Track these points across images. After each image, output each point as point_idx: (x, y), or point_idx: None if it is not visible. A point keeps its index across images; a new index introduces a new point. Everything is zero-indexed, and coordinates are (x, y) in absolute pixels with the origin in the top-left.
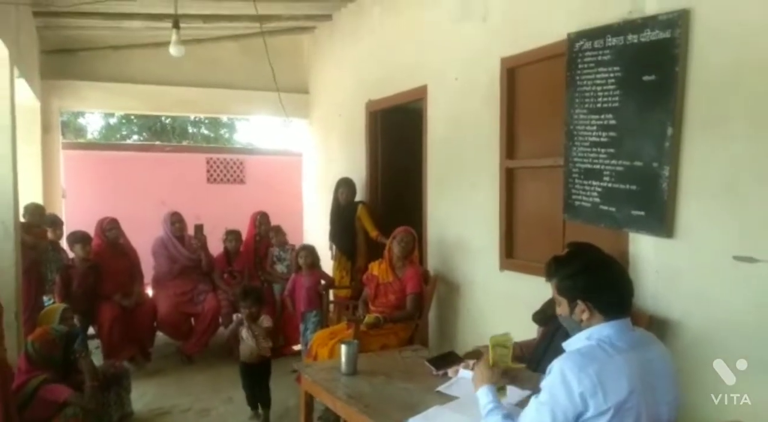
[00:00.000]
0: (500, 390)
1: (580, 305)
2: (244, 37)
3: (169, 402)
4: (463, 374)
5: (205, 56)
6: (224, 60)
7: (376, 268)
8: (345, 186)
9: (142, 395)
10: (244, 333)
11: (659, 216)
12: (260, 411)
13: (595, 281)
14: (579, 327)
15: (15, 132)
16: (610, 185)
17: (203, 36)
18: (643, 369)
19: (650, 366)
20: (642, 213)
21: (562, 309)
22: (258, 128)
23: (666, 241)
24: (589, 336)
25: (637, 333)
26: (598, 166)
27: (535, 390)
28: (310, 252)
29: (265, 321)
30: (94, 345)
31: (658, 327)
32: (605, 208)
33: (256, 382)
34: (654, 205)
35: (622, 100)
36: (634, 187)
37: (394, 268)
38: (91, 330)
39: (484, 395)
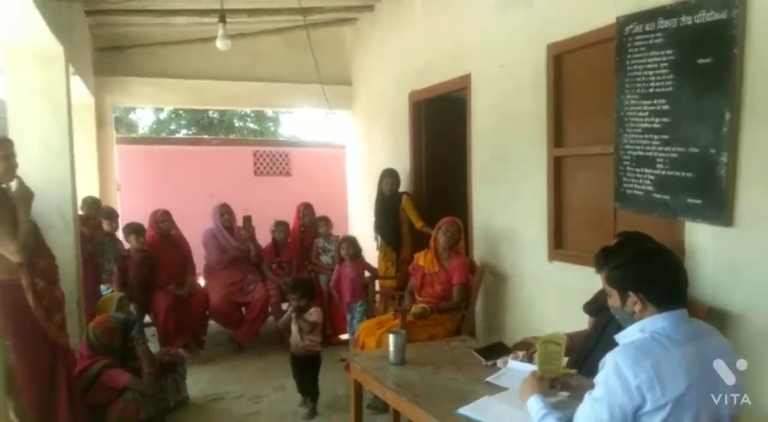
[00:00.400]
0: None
1: (632, 296)
2: (287, 31)
3: (222, 388)
4: (513, 365)
5: (250, 50)
6: (268, 54)
7: (421, 259)
8: (389, 176)
9: (196, 381)
10: (292, 325)
11: (717, 205)
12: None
13: (646, 271)
14: (632, 319)
15: (72, 128)
16: (663, 173)
17: (247, 30)
18: (702, 361)
19: (709, 358)
20: (698, 201)
21: (613, 300)
22: (302, 121)
23: (725, 230)
24: (643, 329)
25: (695, 324)
26: (650, 153)
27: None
28: (352, 243)
29: (314, 314)
30: (150, 332)
31: (717, 319)
32: (659, 196)
33: (304, 374)
34: (711, 193)
35: (676, 85)
36: (689, 175)
37: (440, 259)
38: (147, 319)
39: (534, 403)
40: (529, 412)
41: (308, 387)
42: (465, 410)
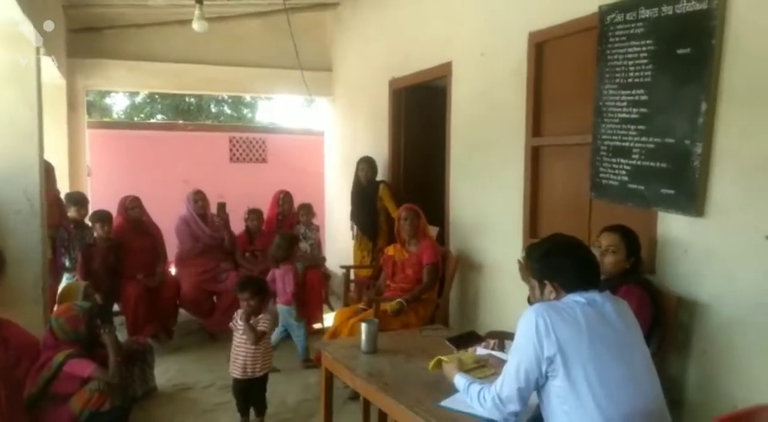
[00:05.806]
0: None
1: (548, 286)
2: (267, 14)
3: (191, 378)
4: (484, 354)
5: (229, 34)
6: (247, 38)
7: (391, 250)
8: (365, 163)
9: (164, 371)
10: (234, 335)
11: (690, 195)
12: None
13: (556, 262)
14: None
15: (41, 110)
16: (639, 163)
17: (227, 13)
18: (598, 316)
19: (606, 317)
20: (672, 191)
21: (533, 291)
22: (279, 107)
23: (696, 220)
24: None
25: (602, 295)
26: (627, 144)
27: None
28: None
29: (262, 321)
30: (118, 321)
31: (686, 309)
32: (634, 186)
33: (248, 392)
34: (685, 183)
35: (655, 75)
36: (664, 165)
37: (408, 246)
38: (116, 308)
39: (459, 380)
40: (457, 387)
41: (254, 403)
42: (447, 403)
